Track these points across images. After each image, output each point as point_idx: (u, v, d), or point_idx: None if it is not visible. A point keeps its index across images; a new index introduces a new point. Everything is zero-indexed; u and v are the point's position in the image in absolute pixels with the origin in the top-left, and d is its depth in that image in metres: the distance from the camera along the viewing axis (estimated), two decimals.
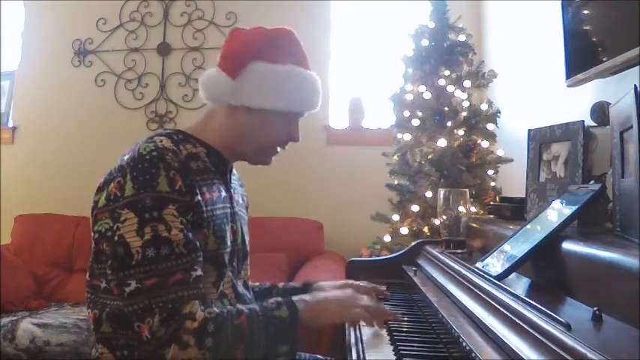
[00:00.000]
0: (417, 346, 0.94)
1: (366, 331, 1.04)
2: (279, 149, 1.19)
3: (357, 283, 1.30)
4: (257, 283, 1.34)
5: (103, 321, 1.03)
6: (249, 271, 1.24)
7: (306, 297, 1.05)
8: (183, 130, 1.14)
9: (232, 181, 1.22)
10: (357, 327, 1.06)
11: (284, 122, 1.15)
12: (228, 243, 1.11)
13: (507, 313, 0.78)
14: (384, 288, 1.30)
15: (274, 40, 1.15)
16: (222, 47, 1.17)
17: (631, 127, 0.79)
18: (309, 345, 1.75)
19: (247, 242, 1.23)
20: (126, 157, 1.04)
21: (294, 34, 1.19)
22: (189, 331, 0.93)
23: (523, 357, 0.65)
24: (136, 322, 0.95)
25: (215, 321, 0.95)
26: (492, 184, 2.29)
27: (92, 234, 1.05)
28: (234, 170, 1.24)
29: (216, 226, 1.07)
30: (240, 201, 1.25)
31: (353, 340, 1.01)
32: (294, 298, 1.04)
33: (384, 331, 1.04)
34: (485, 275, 0.94)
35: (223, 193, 1.14)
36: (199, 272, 0.99)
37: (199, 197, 1.03)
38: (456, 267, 1.14)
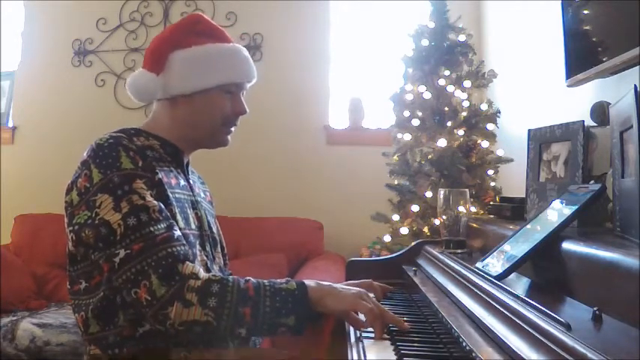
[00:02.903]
0: (417, 346, 0.94)
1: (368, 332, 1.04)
2: (232, 128, 1.21)
3: (357, 282, 1.30)
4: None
5: (90, 321, 1.04)
6: (224, 260, 1.27)
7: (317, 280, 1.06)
8: (134, 127, 1.17)
9: (191, 176, 1.25)
10: (359, 329, 1.05)
11: (223, 98, 1.17)
12: (193, 226, 1.13)
13: (507, 313, 0.78)
14: (390, 288, 1.29)
15: (185, 28, 1.20)
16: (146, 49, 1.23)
17: (631, 127, 0.79)
18: (309, 346, 1.75)
19: (216, 231, 1.26)
20: (85, 154, 1.08)
21: (203, 16, 1.25)
22: (193, 289, 0.94)
23: (523, 357, 0.65)
24: (133, 289, 0.96)
25: (220, 283, 0.96)
26: (492, 184, 2.29)
27: (68, 234, 1.07)
28: (193, 170, 1.28)
29: (179, 207, 1.10)
30: (202, 194, 1.28)
31: (353, 340, 1.01)
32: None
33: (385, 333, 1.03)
34: (485, 275, 0.94)
35: (182, 182, 1.17)
36: (179, 232, 1.03)
37: (158, 176, 1.07)
38: (456, 267, 1.14)
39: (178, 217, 1.08)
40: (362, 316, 1.04)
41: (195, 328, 0.94)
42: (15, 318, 2.28)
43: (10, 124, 3.37)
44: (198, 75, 1.15)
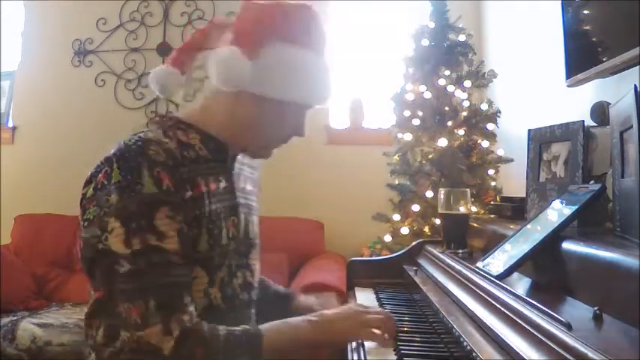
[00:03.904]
0: (417, 346, 0.94)
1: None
2: (282, 144, 1.08)
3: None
4: (281, 288, 1.30)
5: (99, 331, 0.94)
6: (257, 266, 1.14)
7: (312, 316, 1.00)
8: (175, 117, 1.04)
9: (237, 168, 1.10)
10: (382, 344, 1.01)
11: (293, 115, 1.03)
12: (224, 241, 1.01)
13: (508, 313, 0.78)
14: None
15: (295, 17, 1.01)
16: (233, 22, 1.01)
17: (631, 127, 0.79)
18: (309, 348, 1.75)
19: (255, 234, 1.13)
20: (112, 151, 0.96)
21: (314, 10, 1.05)
22: (180, 321, 0.87)
23: (524, 356, 0.65)
24: (125, 303, 0.87)
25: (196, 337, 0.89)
26: (493, 183, 2.29)
27: (79, 238, 0.97)
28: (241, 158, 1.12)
29: (211, 223, 0.98)
30: (248, 187, 1.13)
31: (354, 345, 1.01)
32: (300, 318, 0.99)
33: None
34: (486, 275, 0.94)
35: (223, 184, 1.03)
36: (190, 278, 0.94)
37: (190, 193, 0.94)
38: (457, 267, 1.14)
39: (203, 237, 0.96)
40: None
41: (153, 358, 0.86)
42: (15, 318, 2.28)
43: (10, 124, 3.37)
44: (290, 84, 0.99)
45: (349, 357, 0.96)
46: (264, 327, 0.96)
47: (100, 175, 0.93)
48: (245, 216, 1.08)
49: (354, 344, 1.00)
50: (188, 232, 0.93)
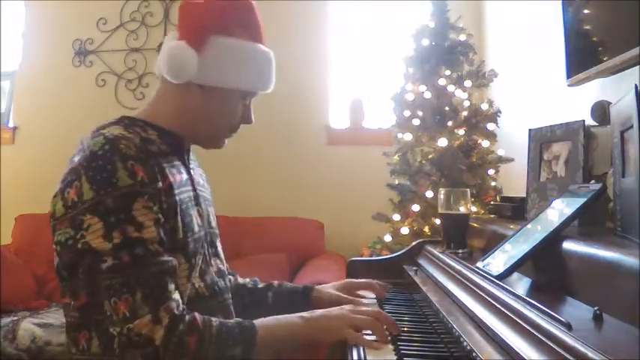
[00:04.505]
0: (417, 346, 0.94)
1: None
2: (232, 134, 1.13)
3: (357, 281, 1.30)
4: (248, 280, 1.30)
5: (94, 341, 0.96)
6: (222, 254, 1.18)
7: (305, 313, 1.02)
8: (129, 116, 1.07)
9: (191, 165, 1.15)
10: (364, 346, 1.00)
11: (239, 103, 1.09)
12: (196, 229, 1.04)
13: (508, 313, 0.78)
14: (385, 285, 1.30)
15: (233, 13, 1.07)
16: (179, 17, 1.09)
17: (631, 126, 0.79)
18: (308, 347, 1.75)
19: (215, 224, 1.17)
20: (76, 159, 0.97)
21: (255, 6, 1.11)
22: (169, 311, 0.88)
23: (524, 356, 0.65)
24: (112, 299, 0.88)
25: (195, 322, 0.91)
26: (493, 183, 2.29)
27: (54, 250, 0.99)
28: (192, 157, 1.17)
29: (182, 212, 1.00)
30: (201, 181, 1.18)
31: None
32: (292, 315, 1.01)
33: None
34: (486, 275, 0.94)
35: (185, 176, 1.07)
36: (175, 263, 0.95)
37: (160, 184, 0.96)
38: (457, 267, 1.14)
39: (179, 226, 0.99)
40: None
41: (145, 349, 0.87)
42: (16, 318, 2.28)
43: (11, 125, 3.37)
44: (231, 72, 1.05)
45: (349, 357, 0.96)
46: (257, 320, 0.97)
47: (70, 190, 0.94)
48: (205, 207, 1.13)
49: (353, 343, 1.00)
50: (165, 222, 0.96)
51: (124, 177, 0.91)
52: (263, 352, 0.96)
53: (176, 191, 1.01)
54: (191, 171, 1.12)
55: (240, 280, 1.30)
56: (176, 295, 0.92)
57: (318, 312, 1.03)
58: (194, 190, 1.10)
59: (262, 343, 0.94)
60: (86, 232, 0.91)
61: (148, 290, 0.89)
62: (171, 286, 0.92)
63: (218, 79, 1.05)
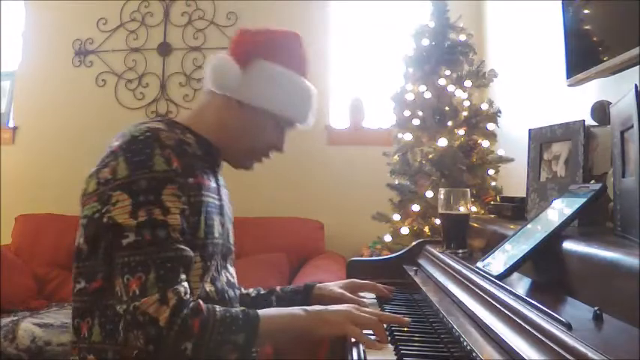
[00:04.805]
0: (417, 346, 0.94)
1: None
2: (263, 158, 1.17)
3: (361, 282, 1.30)
4: (252, 289, 1.30)
5: (94, 329, 0.98)
6: (234, 272, 1.20)
7: (308, 307, 1.03)
8: (170, 118, 1.11)
9: (219, 178, 1.18)
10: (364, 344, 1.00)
11: (273, 128, 1.13)
12: (217, 234, 1.06)
13: (508, 313, 0.78)
14: (391, 288, 1.30)
15: (280, 41, 1.13)
16: (232, 39, 1.16)
17: (632, 126, 0.79)
18: (308, 347, 1.75)
19: (232, 241, 1.19)
20: (116, 143, 1.00)
21: (301, 39, 1.17)
22: (177, 293, 0.89)
23: (524, 356, 0.65)
24: (126, 276, 0.90)
25: (200, 308, 0.91)
26: (493, 183, 2.29)
27: (80, 225, 1.01)
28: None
29: (207, 214, 1.03)
30: (225, 198, 1.21)
31: (354, 340, 1.01)
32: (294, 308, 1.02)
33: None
34: (486, 275, 0.94)
35: (213, 184, 1.10)
36: (192, 254, 0.97)
37: (192, 180, 1.00)
38: (457, 267, 1.14)
39: (202, 225, 1.01)
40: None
41: (149, 329, 0.87)
42: (16, 318, 2.29)
43: (11, 125, 3.38)
44: (270, 96, 1.10)
45: (348, 357, 0.96)
46: (261, 310, 0.99)
47: (105, 170, 0.97)
48: (227, 221, 1.15)
49: (352, 340, 1.00)
50: (189, 216, 0.98)
51: (160, 162, 0.95)
52: (265, 341, 0.99)
53: (204, 192, 1.03)
54: (219, 183, 1.16)
55: (244, 290, 1.30)
56: (185, 284, 0.94)
57: (322, 306, 1.04)
58: (220, 200, 1.13)
59: (265, 332, 0.95)
60: (113, 207, 0.93)
61: (162, 272, 0.90)
62: (183, 276, 0.94)
63: (256, 99, 1.09)
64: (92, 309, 0.98)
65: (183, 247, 0.95)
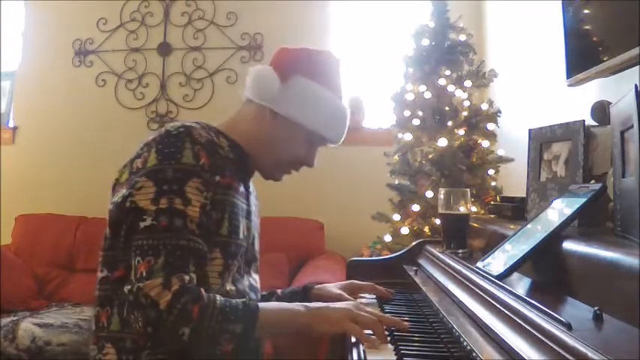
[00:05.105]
0: (417, 346, 0.94)
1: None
2: (292, 171, 1.20)
3: (360, 283, 1.30)
4: None
5: (113, 318, 1.00)
6: (258, 279, 1.20)
7: (308, 303, 1.04)
8: (206, 123, 1.13)
9: (250, 186, 1.21)
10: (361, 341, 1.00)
11: (304, 143, 1.16)
12: (241, 235, 1.08)
13: (508, 313, 0.78)
14: (391, 291, 1.30)
15: (320, 61, 1.18)
16: (273, 56, 1.20)
17: (632, 126, 0.79)
18: (308, 347, 1.75)
19: (258, 249, 1.21)
20: (151, 137, 1.04)
21: (340, 61, 1.21)
22: (180, 279, 0.91)
23: (524, 356, 0.65)
24: (137, 258, 0.93)
25: (201, 296, 0.92)
26: (493, 183, 2.29)
27: (108, 213, 1.04)
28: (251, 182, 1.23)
29: (232, 214, 1.05)
30: (254, 208, 1.23)
31: (354, 340, 1.01)
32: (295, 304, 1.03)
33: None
34: (486, 275, 0.94)
35: (242, 188, 1.12)
36: (206, 249, 0.98)
37: (219, 178, 1.02)
38: (457, 267, 1.14)
39: (225, 223, 1.03)
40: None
41: (149, 311, 0.89)
42: (16, 318, 2.29)
43: (11, 125, 3.38)
44: (305, 111, 1.13)
45: (349, 356, 0.96)
46: (261, 303, 1.00)
47: (138, 160, 1.01)
48: (253, 227, 1.17)
49: (353, 339, 1.00)
50: (211, 211, 1.00)
51: (188, 155, 0.99)
52: (264, 334, 1.00)
53: (232, 193, 1.06)
54: (249, 189, 1.19)
55: None
56: (193, 275, 0.95)
57: (323, 303, 1.05)
58: (248, 205, 1.15)
59: (264, 325, 0.96)
60: (137, 192, 0.97)
61: (171, 259, 0.92)
62: (192, 267, 0.95)
63: (291, 112, 1.13)
64: (112, 298, 1.01)
65: (197, 239, 0.97)
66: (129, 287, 0.92)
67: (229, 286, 1.06)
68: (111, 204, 1.03)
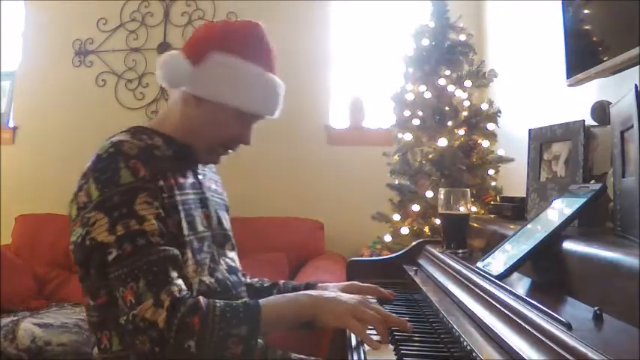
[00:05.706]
0: (417, 346, 0.94)
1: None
2: (229, 151, 1.16)
3: (362, 285, 1.30)
4: (256, 279, 1.33)
5: (114, 339, 1.02)
6: (236, 257, 1.21)
7: (312, 292, 1.05)
8: (137, 126, 1.12)
9: (200, 170, 1.19)
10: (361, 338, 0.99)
11: (236, 122, 1.11)
12: (200, 228, 1.08)
13: (508, 313, 0.78)
14: (393, 293, 1.29)
15: (238, 33, 1.10)
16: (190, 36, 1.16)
17: (632, 126, 0.79)
18: (308, 347, 1.75)
19: (227, 227, 1.21)
20: (87, 165, 1.04)
21: (263, 30, 1.14)
22: (170, 294, 0.91)
23: (524, 356, 0.65)
24: (120, 288, 0.93)
25: (198, 304, 0.92)
26: (493, 183, 2.29)
27: (70, 252, 1.04)
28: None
29: (186, 211, 1.05)
30: (213, 186, 1.23)
31: (353, 341, 1.01)
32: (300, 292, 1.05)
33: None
34: (486, 275, 0.94)
35: (190, 180, 1.12)
36: (177, 252, 0.99)
37: (162, 182, 1.02)
38: (457, 267, 1.14)
39: (183, 223, 1.04)
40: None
41: (150, 332, 0.90)
42: (16, 318, 2.28)
43: (11, 125, 3.37)
44: (228, 89, 1.08)
45: (348, 357, 0.96)
46: (263, 300, 1.00)
47: (81, 193, 1.00)
48: (214, 210, 1.17)
49: (353, 342, 1.00)
50: (166, 218, 1.00)
51: (126, 175, 0.98)
52: (269, 329, 0.99)
53: (177, 192, 1.06)
54: (199, 176, 1.17)
55: (249, 279, 1.32)
56: (178, 281, 0.95)
57: (329, 293, 1.04)
58: (202, 193, 1.14)
59: (267, 321, 0.96)
60: (92, 228, 0.96)
61: (151, 277, 0.92)
62: (174, 273, 0.95)
63: (211, 93, 1.08)
64: (106, 321, 1.02)
65: (165, 247, 0.97)
66: (124, 318, 0.92)
67: (208, 280, 1.06)
68: (71, 244, 1.03)
